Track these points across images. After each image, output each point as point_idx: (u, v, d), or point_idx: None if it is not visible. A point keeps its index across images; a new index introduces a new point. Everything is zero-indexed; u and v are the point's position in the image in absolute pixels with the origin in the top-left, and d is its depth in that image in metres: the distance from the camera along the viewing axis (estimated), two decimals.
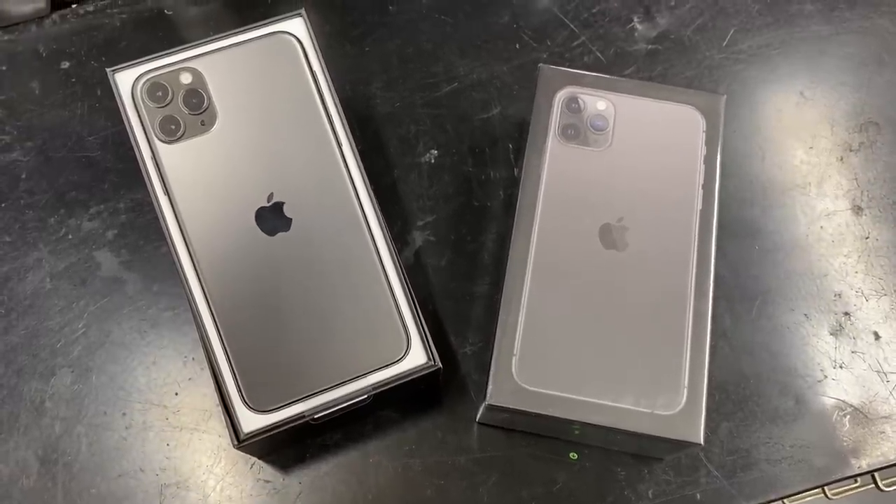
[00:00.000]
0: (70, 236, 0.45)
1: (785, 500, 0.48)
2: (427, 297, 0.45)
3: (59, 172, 0.47)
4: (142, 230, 0.45)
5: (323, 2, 0.51)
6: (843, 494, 0.48)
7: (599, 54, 0.50)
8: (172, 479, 0.41)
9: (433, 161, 0.48)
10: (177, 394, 0.43)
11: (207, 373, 0.41)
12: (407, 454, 0.42)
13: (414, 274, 0.45)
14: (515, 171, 0.47)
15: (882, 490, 0.47)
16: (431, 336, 0.37)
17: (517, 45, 0.51)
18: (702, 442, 0.36)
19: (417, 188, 0.47)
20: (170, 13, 0.51)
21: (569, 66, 0.47)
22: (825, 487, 0.46)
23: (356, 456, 0.42)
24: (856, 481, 0.47)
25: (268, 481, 0.41)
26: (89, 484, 0.41)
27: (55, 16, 0.51)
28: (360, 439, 0.42)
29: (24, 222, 0.46)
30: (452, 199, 0.47)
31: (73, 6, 0.51)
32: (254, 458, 0.41)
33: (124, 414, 0.42)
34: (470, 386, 0.43)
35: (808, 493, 0.47)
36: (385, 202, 0.46)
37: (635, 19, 0.52)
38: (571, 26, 0.51)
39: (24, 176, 0.46)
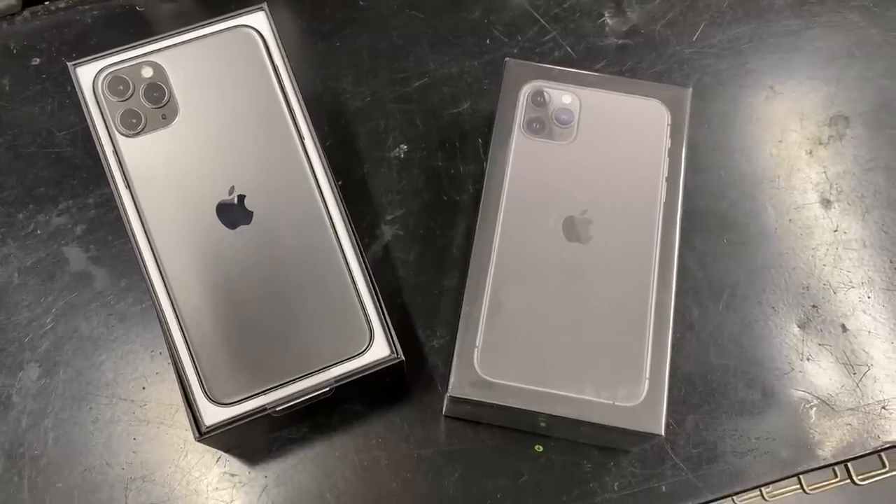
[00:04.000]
0: (39, 232, 0.45)
1: (763, 495, 0.49)
2: (395, 290, 0.45)
3: (28, 168, 0.47)
4: (110, 226, 0.45)
5: None
6: (821, 489, 0.48)
7: (570, 49, 0.51)
8: (139, 472, 0.41)
9: (403, 156, 0.48)
10: (144, 388, 0.43)
11: None
12: (373, 447, 0.42)
13: (383, 268, 0.45)
14: (485, 165, 0.47)
15: (857, 484, 0.48)
16: (399, 329, 0.37)
17: (488, 41, 0.51)
18: (663, 433, 0.36)
19: (387, 183, 0.47)
20: (141, 9, 0.51)
21: (539, 61, 0.47)
22: (803, 482, 0.46)
23: (322, 449, 0.42)
24: (835, 475, 0.47)
25: (234, 475, 0.41)
26: (55, 478, 0.41)
27: (26, 12, 0.51)
28: (327, 433, 0.42)
29: None
30: (422, 193, 0.47)
31: (45, 3, 0.51)
32: (220, 452, 0.41)
33: (91, 408, 0.42)
34: (437, 379, 0.43)
35: (786, 488, 0.47)
36: (354, 197, 0.46)
37: (606, 14, 0.52)
38: (542, 21, 0.51)
39: None
